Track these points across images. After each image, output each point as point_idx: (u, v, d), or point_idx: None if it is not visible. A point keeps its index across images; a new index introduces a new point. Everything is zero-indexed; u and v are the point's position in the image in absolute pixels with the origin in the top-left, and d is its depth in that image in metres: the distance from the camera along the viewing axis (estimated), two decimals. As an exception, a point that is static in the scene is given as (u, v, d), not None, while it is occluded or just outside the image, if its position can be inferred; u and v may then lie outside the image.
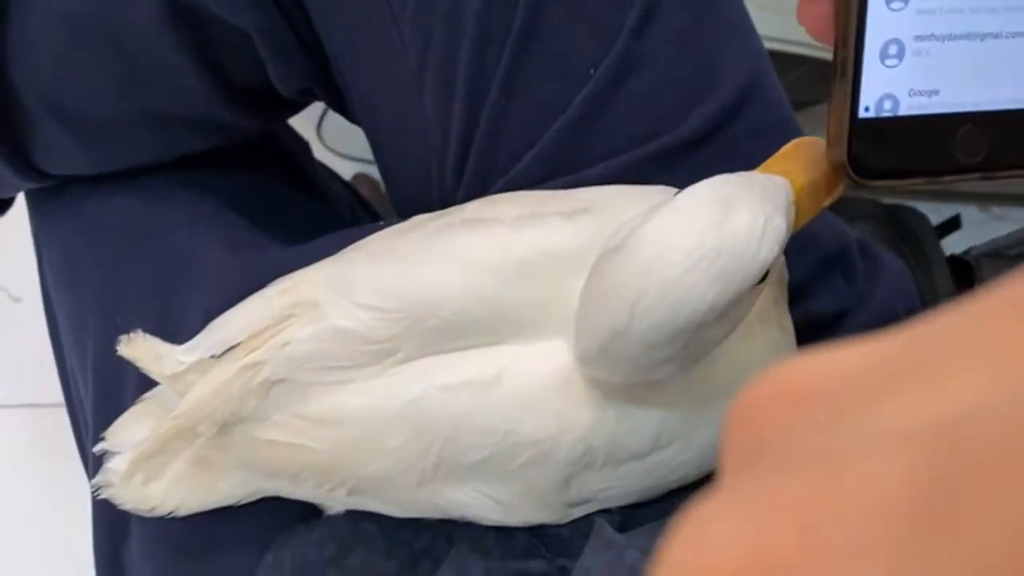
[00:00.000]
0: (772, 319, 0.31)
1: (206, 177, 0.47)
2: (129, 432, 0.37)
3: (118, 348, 0.35)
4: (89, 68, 0.42)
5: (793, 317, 0.34)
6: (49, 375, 0.53)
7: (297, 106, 0.49)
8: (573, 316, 0.29)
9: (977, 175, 0.24)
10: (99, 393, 0.42)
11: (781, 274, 0.32)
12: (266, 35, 0.40)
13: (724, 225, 0.24)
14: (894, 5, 0.23)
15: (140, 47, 0.41)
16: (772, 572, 0.09)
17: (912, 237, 0.82)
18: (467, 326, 0.30)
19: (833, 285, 0.40)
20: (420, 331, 0.30)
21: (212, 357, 0.33)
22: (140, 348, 0.35)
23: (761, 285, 0.25)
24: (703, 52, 0.36)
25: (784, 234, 0.25)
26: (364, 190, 0.88)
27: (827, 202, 0.27)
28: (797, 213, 0.26)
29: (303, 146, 0.60)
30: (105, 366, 0.42)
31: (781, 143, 0.38)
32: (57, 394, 0.50)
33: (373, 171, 0.88)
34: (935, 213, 1.06)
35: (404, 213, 0.43)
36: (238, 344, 0.32)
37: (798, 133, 0.40)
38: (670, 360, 0.26)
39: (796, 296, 0.37)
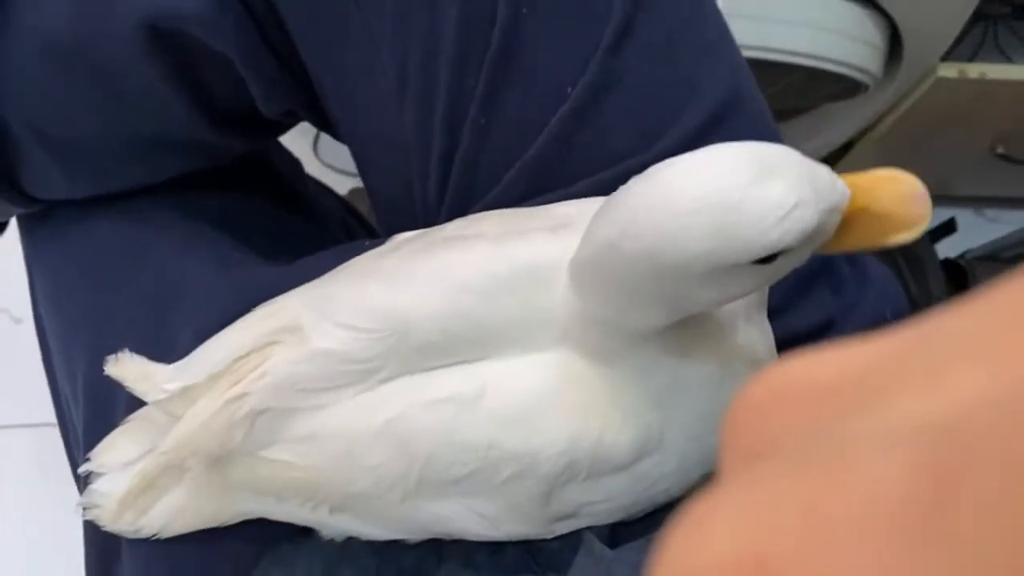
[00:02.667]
0: (754, 322, 0.31)
1: (194, 198, 0.48)
2: (116, 452, 0.37)
3: (106, 368, 0.35)
4: (73, 96, 0.42)
5: (779, 328, 0.34)
6: (47, 395, 0.53)
7: (282, 127, 0.50)
8: (555, 330, 0.30)
9: None
10: (89, 414, 0.43)
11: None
12: (247, 59, 0.40)
13: (751, 188, 0.23)
14: None
15: (122, 74, 0.41)
16: (772, 568, 0.09)
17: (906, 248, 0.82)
18: (448, 344, 0.30)
19: (819, 296, 0.40)
20: (402, 350, 0.30)
21: (197, 383, 0.33)
22: (128, 368, 0.35)
23: (761, 267, 0.24)
24: (681, 67, 0.37)
25: (810, 228, 0.23)
26: (361, 205, 0.88)
27: (893, 241, 0.25)
28: (849, 231, 0.25)
29: (294, 164, 0.60)
30: (95, 388, 0.42)
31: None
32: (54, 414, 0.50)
33: (367, 186, 0.89)
34: (935, 217, 1.06)
35: (390, 231, 0.43)
36: (222, 371, 0.33)
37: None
38: (651, 300, 0.25)
39: (782, 308, 0.38)
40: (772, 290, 0.36)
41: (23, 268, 0.59)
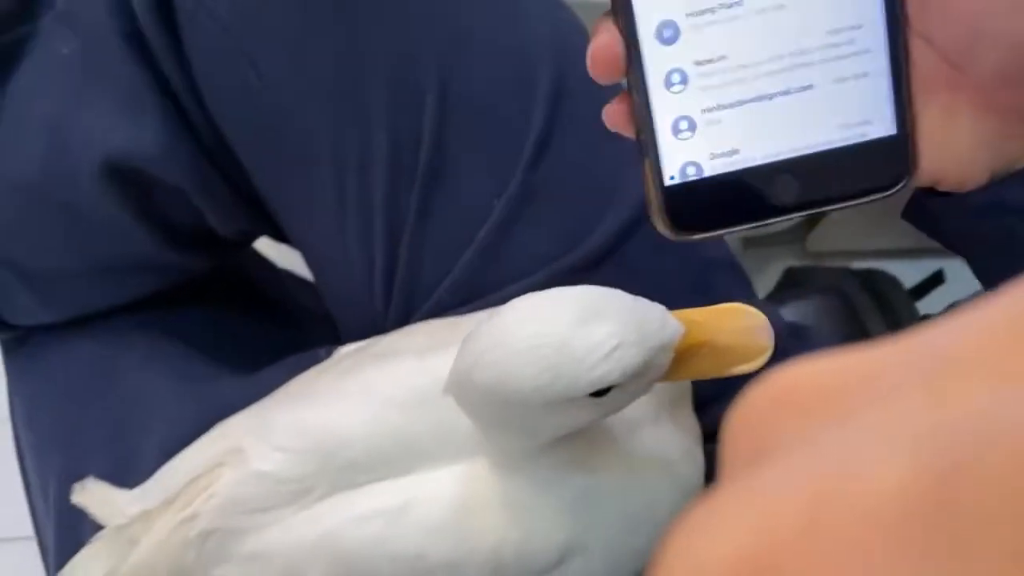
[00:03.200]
0: (665, 420, 0.32)
1: (161, 316, 0.50)
2: (83, 571, 0.39)
3: (71, 496, 0.37)
4: (43, 230, 0.45)
5: (716, 413, 0.35)
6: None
7: (243, 244, 0.52)
8: (472, 441, 0.31)
9: (793, 215, 0.26)
10: (60, 532, 0.44)
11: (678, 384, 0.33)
12: (201, 191, 0.43)
13: (576, 330, 0.25)
14: (674, 89, 0.25)
15: (87, 208, 0.44)
16: (772, 570, 0.09)
17: (885, 302, 0.83)
18: (375, 459, 0.31)
19: (757, 372, 0.41)
20: (332, 468, 0.32)
21: (155, 506, 0.35)
22: (91, 496, 0.37)
23: (598, 400, 0.26)
24: (598, 176, 0.39)
25: (634, 366, 0.25)
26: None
27: (737, 371, 0.27)
28: (690, 362, 0.27)
29: (268, 269, 0.62)
30: (65, 506, 0.44)
31: (683, 252, 0.40)
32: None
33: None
34: (918, 270, 1.06)
35: (347, 337, 0.45)
36: (176, 493, 0.34)
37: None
38: (511, 426, 0.27)
39: (716, 397, 0.38)
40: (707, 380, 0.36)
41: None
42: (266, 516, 0.32)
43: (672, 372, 0.27)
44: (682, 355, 0.26)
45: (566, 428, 0.28)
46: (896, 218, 0.98)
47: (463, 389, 0.28)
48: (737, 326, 0.26)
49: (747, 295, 0.43)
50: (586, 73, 0.40)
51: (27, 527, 0.91)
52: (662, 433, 0.32)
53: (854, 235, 1.02)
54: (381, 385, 0.32)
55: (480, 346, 0.26)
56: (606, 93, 0.41)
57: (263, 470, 0.32)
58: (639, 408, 0.31)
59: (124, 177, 0.42)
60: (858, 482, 0.09)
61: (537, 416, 0.27)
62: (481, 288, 0.39)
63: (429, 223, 0.39)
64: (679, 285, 0.40)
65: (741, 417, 0.12)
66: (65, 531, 0.43)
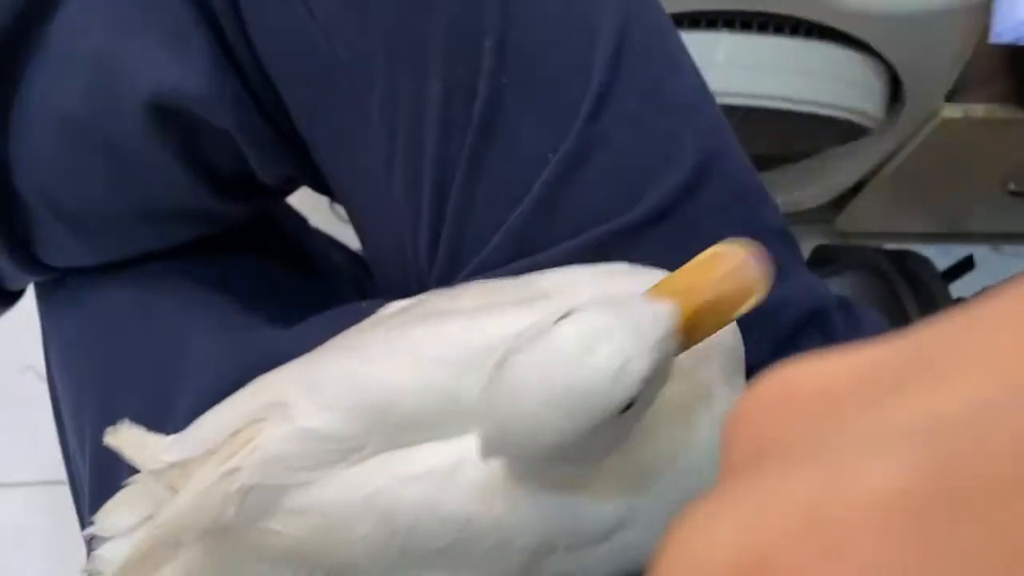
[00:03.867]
0: (718, 397, 0.31)
1: (201, 263, 0.49)
2: (118, 516, 0.38)
3: (105, 438, 0.36)
4: (84, 169, 0.44)
5: None
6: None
7: (284, 192, 0.51)
8: None
9: None
10: (95, 475, 0.44)
11: (715, 350, 0.32)
12: (245, 132, 0.42)
13: (579, 366, 0.25)
14: None
15: (130, 148, 0.43)
16: (772, 567, 0.09)
17: (919, 283, 0.82)
18: (426, 419, 0.31)
19: (809, 346, 0.40)
20: (383, 427, 0.31)
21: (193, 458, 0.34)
22: (126, 438, 0.36)
23: (629, 412, 0.26)
24: (658, 132, 0.38)
25: (648, 371, 0.25)
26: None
27: (740, 312, 0.27)
28: (696, 330, 0.27)
29: (301, 223, 0.62)
30: (101, 449, 0.44)
31: (742, 216, 0.39)
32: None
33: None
34: (946, 254, 1.05)
35: (386, 294, 0.44)
36: (216, 445, 0.34)
37: (760, 203, 0.41)
38: (558, 463, 0.27)
39: (771, 360, 0.38)
40: (753, 348, 0.36)
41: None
42: (311, 473, 0.32)
43: (687, 340, 0.27)
44: (688, 324, 0.26)
45: (612, 446, 0.28)
46: (927, 201, 0.97)
47: (501, 453, 0.28)
48: (720, 274, 0.26)
49: (799, 263, 0.42)
50: (651, 27, 0.39)
51: (50, 472, 0.92)
52: (716, 415, 0.31)
53: (884, 217, 1.01)
54: (430, 344, 0.32)
55: (498, 422, 0.27)
56: (671, 48, 0.40)
57: (310, 427, 0.31)
58: (692, 388, 0.31)
59: (168, 116, 0.41)
60: (856, 482, 0.09)
61: (578, 451, 0.27)
62: (532, 245, 0.38)
63: (480, 176, 0.38)
64: None
65: (741, 416, 0.12)
66: (101, 474, 0.43)
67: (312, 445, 0.31)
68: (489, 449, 0.28)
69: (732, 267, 0.26)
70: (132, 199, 0.46)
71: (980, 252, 1.07)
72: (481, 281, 0.36)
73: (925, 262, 0.87)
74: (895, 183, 0.92)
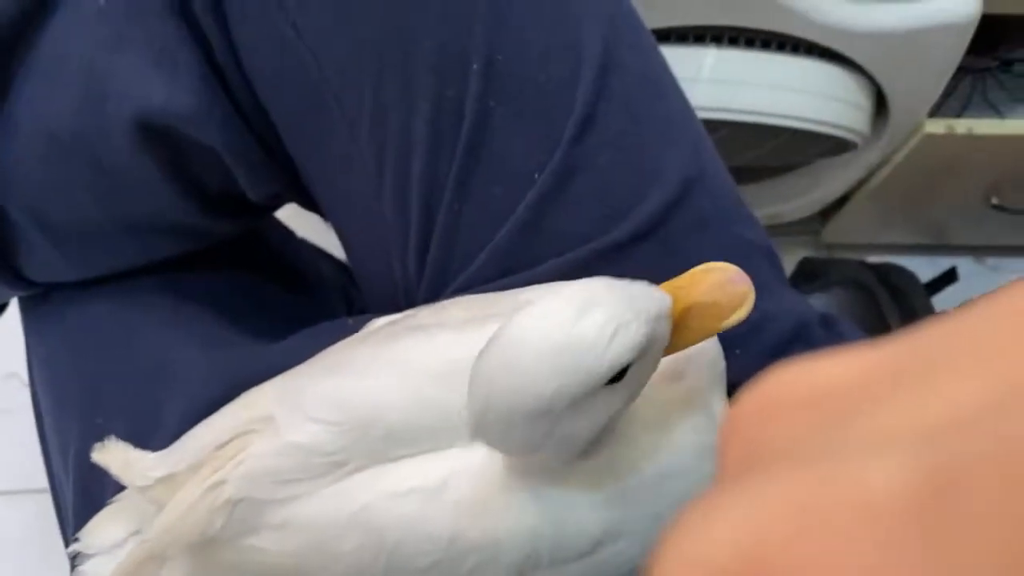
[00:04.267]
0: (698, 406, 0.32)
1: (185, 279, 0.49)
2: (103, 533, 0.38)
3: (92, 455, 0.36)
4: (70, 184, 0.44)
5: None
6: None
7: (270, 209, 0.51)
8: None
9: None
10: (79, 493, 0.44)
11: (699, 358, 0.33)
12: (234, 151, 0.42)
13: (574, 326, 0.25)
14: None
15: (117, 164, 0.43)
16: (768, 567, 0.09)
17: (902, 296, 0.83)
18: (412, 433, 0.31)
19: (791, 359, 0.40)
20: (368, 441, 0.31)
21: (179, 471, 0.34)
22: (112, 455, 0.36)
23: (617, 386, 0.26)
24: (643, 152, 0.38)
25: (640, 341, 0.26)
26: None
27: (726, 324, 0.28)
28: (685, 329, 0.27)
29: (288, 237, 0.62)
30: (85, 467, 0.43)
31: (724, 233, 0.39)
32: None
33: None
34: (931, 266, 1.06)
35: (373, 309, 0.44)
36: (203, 460, 0.34)
37: (743, 221, 0.41)
38: (542, 442, 0.27)
39: (754, 375, 0.38)
40: (738, 361, 0.36)
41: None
42: (298, 487, 0.32)
43: (676, 339, 0.28)
44: (677, 323, 0.27)
45: (597, 426, 0.28)
46: (912, 213, 0.98)
47: (487, 423, 0.28)
48: (713, 282, 0.27)
49: (781, 281, 0.43)
50: (634, 47, 0.40)
51: (35, 481, 0.91)
52: (698, 422, 0.31)
53: (869, 229, 1.02)
54: (418, 357, 0.32)
55: (483, 386, 0.27)
56: (654, 68, 0.41)
57: (296, 441, 0.31)
58: (674, 397, 0.31)
59: (157, 134, 0.41)
60: (851, 484, 0.09)
61: (565, 424, 0.27)
62: (518, 263, 0.38)
63: (468, 195, 0.38)
64: None
65: (736, 419, 0.12)
66: (85, 492, 0.43)
67: (299, 459, 0.31)
68: (477, 424, 0.28)
69: (722, 280, 0.27)
70: (118, 213, 0.46)
71: (964, 264, 1.08)
72: (467, 296, 0.36)
73: (909, 275, 0.88)
74: (880, 196, 0.93)
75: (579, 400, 0.26)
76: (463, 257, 0.39)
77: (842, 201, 0.97)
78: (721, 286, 0.27)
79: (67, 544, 0.49)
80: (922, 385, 0.09)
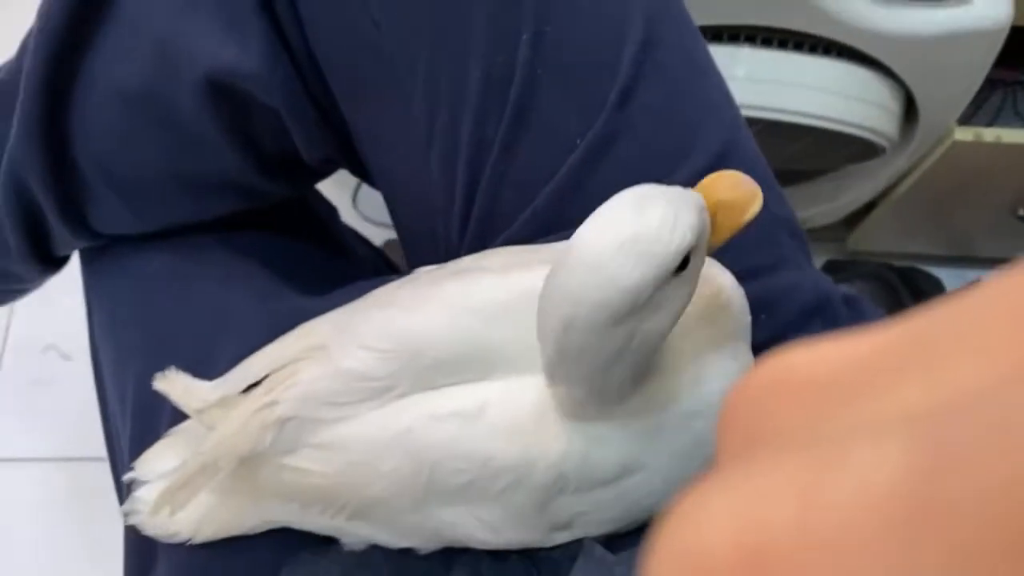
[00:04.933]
0: (727, 351, 0.34)
1: (239, 236, 0.52)
2: (157, 462, 0.41)
3: (154, 383, 0.39)
4: (139, 140, 0.47)
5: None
6: (91, 430, 0.56)
7: (322, 174, 0.54)
8: None
9: None
10: (136, 430, 0.46)
11: (730, 306, 0.35)
12: (293, 112, 0.45)
13: (640, 218, 0.27)
14: None
15: (184, 122, 0.46)
16: (766, 554, 0.09)
17: (925, 299, 0.84)
18: (456, 363, 0.33)
19: (814, 331, 0.42)
20: (414, 369, 0.33)
21: (234, 394, 0.37)
22: (173, 383, 0.39)
23: (682, 275, 0.28)
24: (680, 125, 0.40)
25: (696, 225, 0.28)
26: (395, 256, 0.93)
27: (746, 217, 0.30)
28: (714, 224, 0.30)
29: (332, 211, 0.65)
30: (143, 405, 0.46)
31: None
32: (98, 449, 0.53)
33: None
34: (955, 278, 1.07)
35: (416, 267, 0.46)
36: (258, 383, 0.36)
37: (771, 195, 0.43)
38: (621, 356, 0.29)
39: (774, 346, 0.40)
40: (763, 326, 0.38)
41: (71, 308, 0.63)
42: (346, 409, 0.34)
43: (713, 235, 0.30)
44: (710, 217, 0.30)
45: (668, 326, 0.30)
46: (938, 223, 0.98)
47: (570, 350, 0.29)
48: (727, 183, 0.30)
49: (806, 256, 0.45)
50: (677, 26, 0.42)
51: (70, 449, 0.94)
52: (726, 366, 0.33)
53: (894, 237, 1.03)
54: (462, 297, 0.34)
55: (567, 293, 0.28)
56: (696, 48, 0.43)
57: (347, 367, 0.34)
58: (706, 340, 0.33)
59: (223, 93, 0.44)
60: (850, 472, 0.09)
61: (643, 322, 0.28)
62: (557, 224, 0.41)
63: (513, 158, 0.41)
64: (750, 235, 0.41)
65: (736, 403, 0.11)
66: (142, 432, 0.45)
67: (348, 383, 0.33)
68: (556, 333, 0.29)
69: (735, 181, 0.30)
70: (181, 169, 0.49)
71: (988, 277, 1.08)
72: (507, 247, 0.38)
73: (935, 281, 0.89)
74: (906, 204, 0.94)
75: (656, 292, 0.28)
76: (505, 217, 0.42)
77: (868, 209, 0.98)
78: (735, 186, 0.30)
79: (118, 489, 0.51)
80: (924, 370, 0.09)
